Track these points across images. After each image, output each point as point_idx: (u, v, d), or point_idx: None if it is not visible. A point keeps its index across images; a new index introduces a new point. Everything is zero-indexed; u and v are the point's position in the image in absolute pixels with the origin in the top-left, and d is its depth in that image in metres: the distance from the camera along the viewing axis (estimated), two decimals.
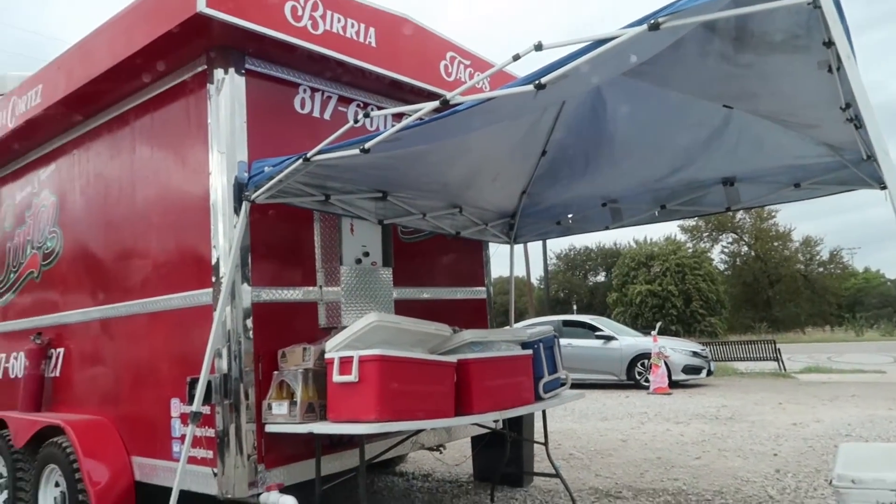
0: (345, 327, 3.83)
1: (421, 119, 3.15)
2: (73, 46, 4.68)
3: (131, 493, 4.16)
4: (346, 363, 3.46)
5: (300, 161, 3.41)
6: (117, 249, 4.67)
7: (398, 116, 4.53)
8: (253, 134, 3.97)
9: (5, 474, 4.88)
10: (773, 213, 41.83)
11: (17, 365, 5.41)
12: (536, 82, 2.66)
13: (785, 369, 16.41)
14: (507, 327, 5.84)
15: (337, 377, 3.47)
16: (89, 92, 4.52)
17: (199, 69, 4.05)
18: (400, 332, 3.72)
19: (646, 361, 13.75)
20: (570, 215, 5.54)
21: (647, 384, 13.38)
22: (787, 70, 2.94)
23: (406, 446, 4.56)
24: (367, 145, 3.17)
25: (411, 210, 4.63)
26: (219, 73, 3.92)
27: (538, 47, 2.57)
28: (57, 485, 4.42)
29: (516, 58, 2.70)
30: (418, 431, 4.51)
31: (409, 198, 4.55)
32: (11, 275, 5.80)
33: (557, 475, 4.71)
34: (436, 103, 2.98)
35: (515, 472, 5.46)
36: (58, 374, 5.06)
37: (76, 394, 4.90)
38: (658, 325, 15.32)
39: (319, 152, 3.35)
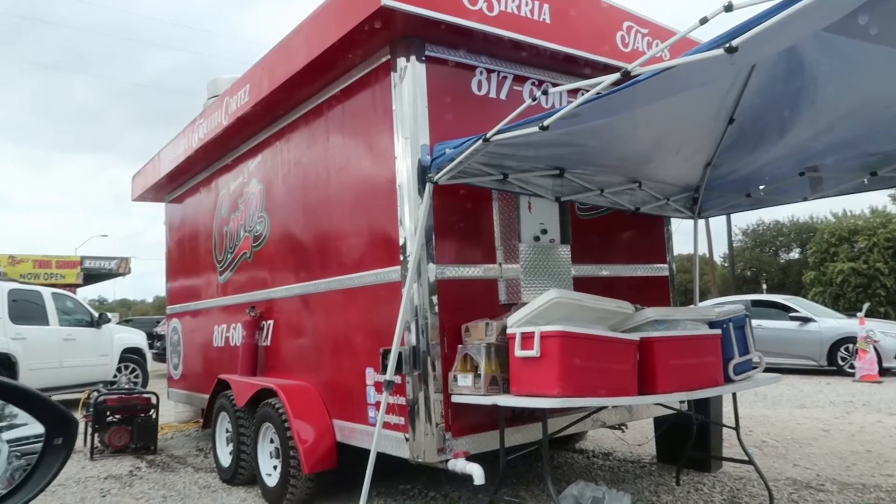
0: (525, 304, 3.90)
1: (599, 93, 3.10)
2: (273, 48, 5.16)
3: (333, 452, 4.58)
4: (527, 338, 3.52)
5: (480, 142, 3.50)
6: (315, 231, 5.11)
7: (573, 92, 4.49)
8: (434, 118, 4.14)
9: (230, 429, 5.59)
10: None
11: (236, 334, 6.14)
12: (727, 45, 2.50)
13: None
14: (693, 306, 5.57)
15: (519, 352, 3.56)
16: (289, 88, 4.96)
17: (383, 59, 4.30)
18: (580, 309, 3.72)
19: (850, 346, 12.43)
20: (761, 187, 5.15)
21: (851, 371, 12.11)
22: None
23: (587, 423, 4.56)
24: (545, 122, 3.18)
25: (589, 186, 4.57)
26: (401, 61, 4.13)
27: (728, 8, 2.42)
28: (272, 441, 4.98)
29: (703, 21, 2.56)
30: (600, 409, 4.48)
31: (586, 174, 4.49)
32: (228, 255, 6.57)
33: (750, 462, 4.45)
34: (616, 75, 2.92)
35: (702, 456, 5.24)
36: (268, 344, 5.67)
37: (284, 361, 5.47)
38: (865, 306, 13.76)
39: (498, 132, 3.42)
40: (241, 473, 5.32)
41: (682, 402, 4.62)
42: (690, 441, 4.92)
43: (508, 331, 3.69)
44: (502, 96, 4.50)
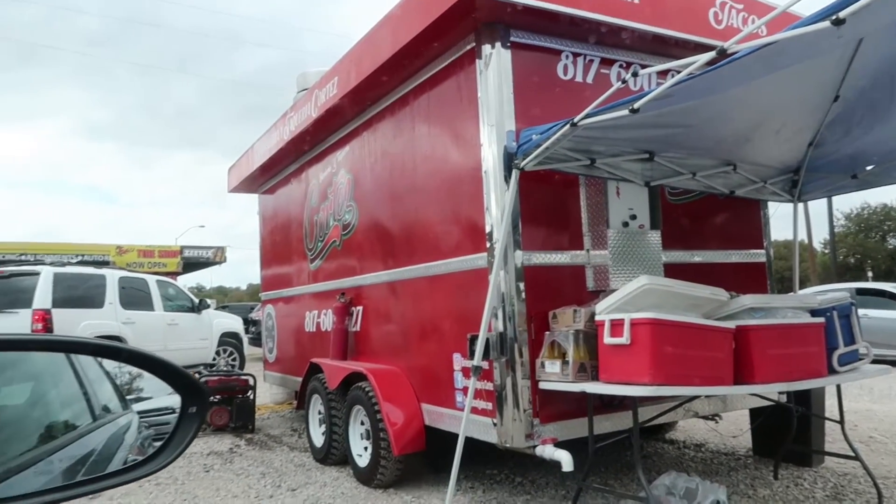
0: (613, 290, 3.84)
1: (693, 74, 3.00)
2: (360, 40, 5.27)
3: (422, 435, 4.68)
4: (617, 326, 3.48)
5: (567, 126, 3.47)
6: (402, 219, 5.21)
7: (663, 74, 4.34)
8: (520, 104, 4.12)
9: (323, 411, 5.80)
10: None
11: (327, 320, 6.35)
12: (834, 17, 2.37)
13: None
14: (793, 293, 5.32)
15: (608, 339, 3.51)
16: (375, 79, 5.06)
17: (468, 47, 4.31)
18: (672, 296, 3.63)
19: None
20: (869, 167, 4.84)
21: None
22: None
23: (678, 413, 4.45)
24: (636, 105, 3.11)
25: (680, 170, 4.43)
26: (486, 48, 4.13)
27: None
28: (362, 423, 5.14)
29: None
30: (692, 398, 4.37)
31: (677, 157, 4.35)
32: (319, 243, 6.79)
33: (857, 457, 4.22)
34: (711, 54, 2.81)
35: (803, 450, 5.01)
36: (358, 329, 5.84)
37: (373, 346, 5.62)
38: None
39: (586, 116, 3.37)
40: (334, 453, 5.52)
41: (781, 393, 4.43)
42: (790, 434, 4.71)
43: (597, 318, 3.65)
44: (589, 80, 4.42)
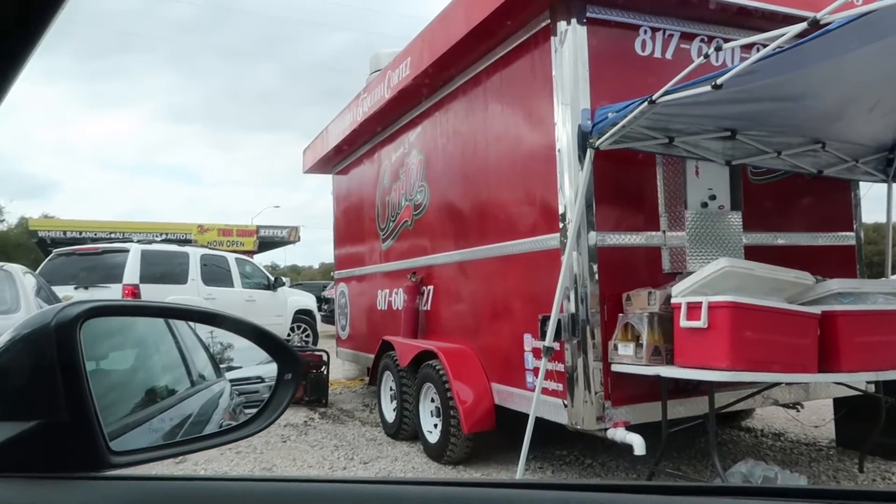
0: (690, 273, 3.74)
1: (781, 47, 2.87)
2: (433, 20, 5.27)
3: (492, 414, 4.72)
4: (694, 309, 3.39)
5: (645, 104, 3.38)
6: (473, 199, 5.21)
7: (747, 48, 4.16)
8: (595, 81, 4.04)
9: (394, 387, 5.92)
10: None
11: (398, 299, 6.45)
12: None
13: None
14: (885, 278, 5.05)
15: (684, 322, 3.43)
16: (448, 59, 5.06)
17: (543, 24, 4.24)
18: (753, 279, 3.51)
19: None
20: None
21: None
22: None
23: (756, 400, 4.31)
24: (719, 81, 3.00)
25: (764, 148, 4.25)
26: (561, 25, 4.06)
27: None
28: (432, 400, 5.22)
29: None
30: (772, 385, 4.22)
31: (761, 135, 4.17)
32: (391, 223, 6.89)
33: None
34: (801, 26, 2.68)
35: (891, 443, 4.77)
36: (428, 308, 5.91)
37: (443, 325, 5.68)
38: None
39: (665, 93, 3.28)
40: (405, 429, 5.64)
41: (869, 382, 4.23)
42: (878, 426, 4.49)
43: (673, 300, 3.57)
44: (668, 56, 4.28)
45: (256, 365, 1.27)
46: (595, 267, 3.94)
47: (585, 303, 3.90)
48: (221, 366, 1.45)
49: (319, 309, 15.34)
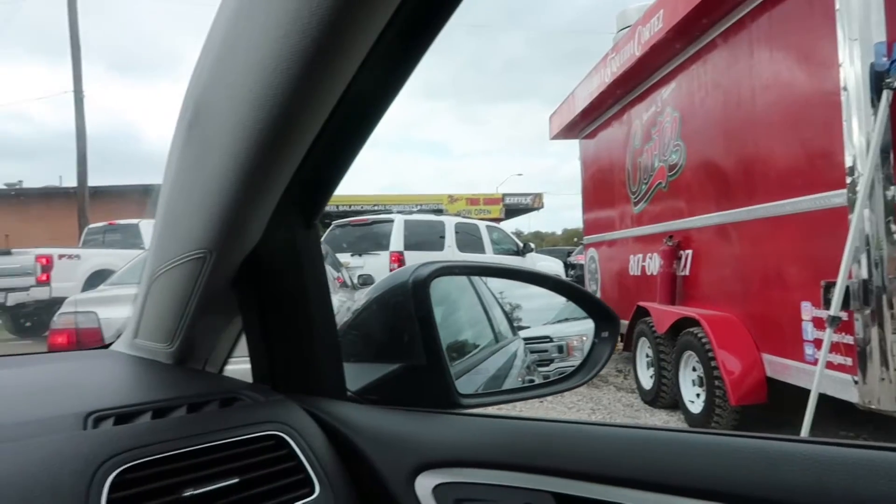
0: None
1: None
2: None
3: (763, 387, 4.39)
4: None
5: None
6: (737, 156, 4.83)
7: None
8: (892, 10, 3.47)
9: (650, 354, 5.80)
10: None
11: (653, 264, 6.25)
12: None
13: None
14: None
15: None
16: (707, 5, 4.70)
17: None
18: None
19: None
20: None
21: None
22: None
23: None
24: None
25: None
26: None
27: None
28: (693, 369, 5.01)
29: None
30: None
31: None
32: (643, 186, 6.67)
33: None
34: None
35: None
36: (687, 273, 5.63)
37: (703, 291, 5.38)
38: None
39: None
40: (663, 396, 5.50)
41: None
42: None
43: None
44: None
45: (543, 325, 1.34)
46: (893, 227, 3.43)
47: (880, 267, 3.43)
48: (515, 325, 1.56)
49: (566, 274, 15.47)
